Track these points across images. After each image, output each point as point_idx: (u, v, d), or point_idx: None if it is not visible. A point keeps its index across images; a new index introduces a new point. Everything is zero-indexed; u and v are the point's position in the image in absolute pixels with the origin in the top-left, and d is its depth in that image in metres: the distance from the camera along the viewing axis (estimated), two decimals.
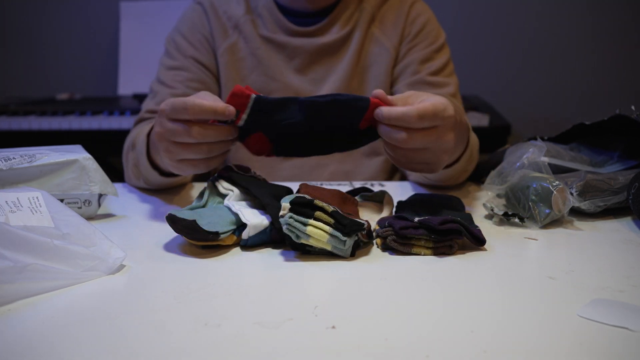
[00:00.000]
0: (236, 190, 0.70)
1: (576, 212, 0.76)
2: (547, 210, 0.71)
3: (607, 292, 0.52)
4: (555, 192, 0.70)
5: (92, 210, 0.76)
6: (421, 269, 0.59)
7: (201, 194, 0.72)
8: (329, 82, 1.04)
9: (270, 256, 0.63)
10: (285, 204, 0.60)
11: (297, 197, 0.61)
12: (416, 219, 0.62)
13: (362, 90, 1.05)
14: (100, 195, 0.76)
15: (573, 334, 0.45)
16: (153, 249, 0.65)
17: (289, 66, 1.04)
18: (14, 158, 0.72)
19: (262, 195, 0.68)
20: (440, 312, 0.49)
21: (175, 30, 1.07)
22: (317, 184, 0.86)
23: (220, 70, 1.04)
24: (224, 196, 0.71)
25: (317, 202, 0.60)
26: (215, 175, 0.74)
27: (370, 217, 0.71)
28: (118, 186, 0.96)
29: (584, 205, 0.74)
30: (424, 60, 1.03)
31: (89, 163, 0.74)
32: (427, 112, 0.64)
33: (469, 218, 0.69)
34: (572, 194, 0.73)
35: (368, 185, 0.90)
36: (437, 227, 0.60)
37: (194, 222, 0.61)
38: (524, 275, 0.58)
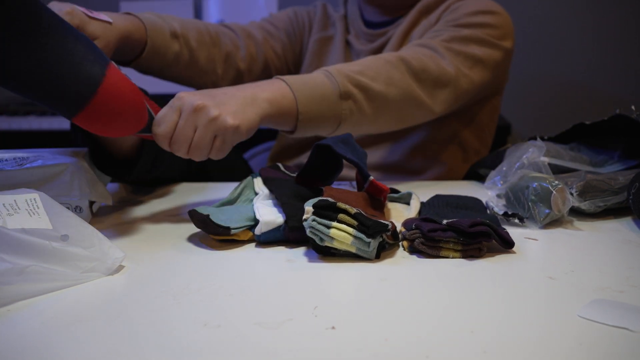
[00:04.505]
0: (266, 190, 0.73)
1: (576, 212, 0.76)
2: (547, 211, 0.71)
3: (607, 293, 0.52)
4: (554, 192, 0.70)
5: (83, 217, 0.72)
6: (420, 271, 0.59)
7: (236, 188, 0.76)
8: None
9: (270, 257, 0.63)
10: (308, 207, 0.61)
11: (320, 200, 0.61)
12: (444, 221, 0.62)
13: None
14: (92, 202, 0.74)
15: (573, 334, 0.45)
16: (152, 249, 0.65)
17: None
18: (6, 160, 0.71)
19: (281, 195, 0.69)
20: (440, 313, 0.49)
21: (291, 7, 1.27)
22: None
23: (308, 54, 1.19)
24: (257, 193, 0.74)
25: (340, 205, 0.60)
26: (257, 172, 0.78)
27: (397, 218, 0.71)
28: (118, 186, 0.96)
29: (584, 206, 0.74)
30: (449, 19, 1.03)
31: (80, 168, 0.72)
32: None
33: (495, 220, 0.69)
34: (572, 194, 0.73)
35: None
36: (467, 230, 0.60)
37: (207, 217, 0.64)
38: (524, 275, 0.58)
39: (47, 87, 0.61)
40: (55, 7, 0.74)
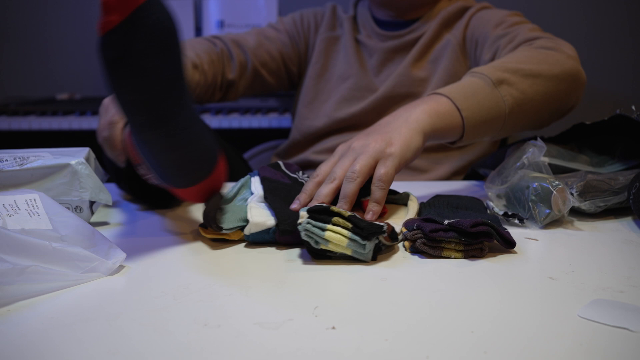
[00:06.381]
0: (262, 190, 0.73)
1: (576, 213, 0.76)
2: (547, 211, 0.71)
3: (608, 293, 0.52)
4: (555, 192, 0.70)
5: (84, 217, 0.72)
6: (421, 271, 0.59)
7: (234, 187, 0.76)
8: (393, 75, 1.15)
9: (270, 257, 0.63)
10: (303, 212, 0.61)
11: (314, 205, 0.61)
12: (446, 222, 0.62)
13: (428, 81, 1.13)
14: (92, 202, 0.73)
15: (573, 335, 0.45)
16: (153, 249, 0.65)
17: (368, 63, 1.20)
18: (6, 160, 0.71)
19: (273, 200, 0.69)
20: (441, 313, 0.49)
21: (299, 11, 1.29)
22: None
23: (315, 52, 1.22)
24: (252, 193, 0.74)
25: (334, 208, 0.60)
26: (256, 171, 0.78)
27: (395, 219, 0.71)
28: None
29: (584, 206, 0.74)
30: (494, 24, 1.07)
31: (81, 168, 0.71)
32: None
33: (496, 220, 0.69)
34: (572, 194, 0.73)
35: None
36: (469, 230, 0.60)
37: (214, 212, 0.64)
38: (524, 275, 0.58)
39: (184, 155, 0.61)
40: None
